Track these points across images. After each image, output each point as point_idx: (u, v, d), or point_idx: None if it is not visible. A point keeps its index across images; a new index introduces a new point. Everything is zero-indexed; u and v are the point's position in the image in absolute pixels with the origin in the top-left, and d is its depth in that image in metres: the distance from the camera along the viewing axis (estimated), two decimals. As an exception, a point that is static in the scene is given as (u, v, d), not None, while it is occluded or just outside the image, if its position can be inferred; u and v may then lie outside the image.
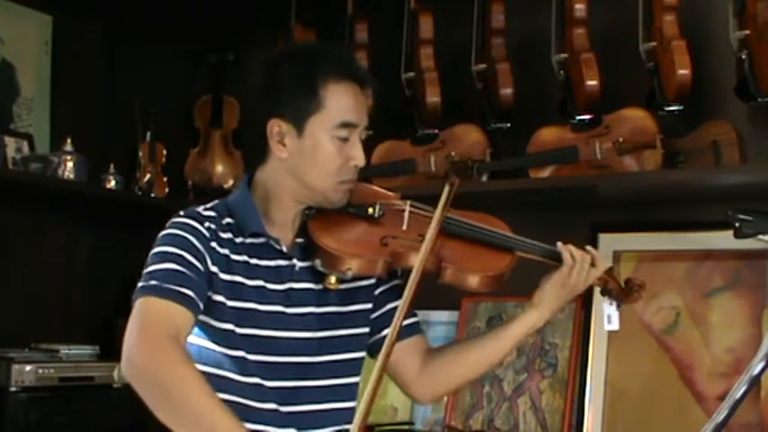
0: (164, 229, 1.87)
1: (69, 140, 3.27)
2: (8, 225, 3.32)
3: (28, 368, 2.92)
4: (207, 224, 1.85)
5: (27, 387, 2.91)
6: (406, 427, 2.96)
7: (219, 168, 3.64)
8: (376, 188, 2.03)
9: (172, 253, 1.79)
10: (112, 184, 3.41)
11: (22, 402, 2.90)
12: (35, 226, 3.41)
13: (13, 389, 2.88)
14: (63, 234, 3.51)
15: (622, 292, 2.07)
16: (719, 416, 1.51)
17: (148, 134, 3.53)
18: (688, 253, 2.71)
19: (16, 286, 3.33)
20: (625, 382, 2.73)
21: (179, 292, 1.74)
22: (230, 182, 3.61)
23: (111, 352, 3.29)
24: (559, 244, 2.01)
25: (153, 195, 3.48)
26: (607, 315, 2.09)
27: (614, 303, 2.09)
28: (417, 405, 2.97)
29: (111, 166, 3.42)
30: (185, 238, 1.81)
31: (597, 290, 2.14)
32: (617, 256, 2.79)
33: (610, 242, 2.82)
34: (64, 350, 3.12)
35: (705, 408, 2.58)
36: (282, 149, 1.86)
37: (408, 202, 1.97)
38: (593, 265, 2.00)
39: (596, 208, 2.88)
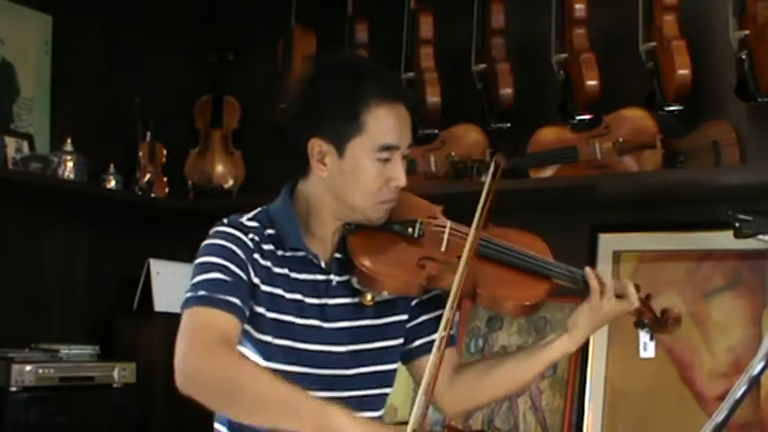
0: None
1: (69, 140, 3.27)
2: (8, 225, 3.31)
3: (28, 368, 2.91)
4: (251, 235, 1.84)
5: (27, 387, 2.90)
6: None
7: (219, 168, 3.63)
8: (419, 199, 1.98)
9: (217, 264, 1.78)
10: (112, 184, 3.40)
11: (22, 402, 2.89)
12: (35, 226, 3.40)
13: (13, 389, 2.87)
14: (63, 234, 3.50)
15: (657, 324, 2.00)
16: (719, 416, 1.50)
17: (148, 134, 3.53)
18: (688, 253, 2.71)
19: (16, 286, 3.33)
20: (625, 382, 2.73)
21: (226, 300, 1.74)
22: (230, 182, 3.61)
23: (111, 352, 3.30)
24: (587, 269, 1.95)
25: (153, 195, 3.48)
26: (643, 343, 2.02)
27: (649, 333, 2.02)
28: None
29: (111, 166, 3.42)
30: (229, 248, 1.81)
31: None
32: (617, 256, 2.79)
33: (610, 242, 2.82)
34: (64, 350, 3.12)
35: (705, 408, 2.58)
36: (323, 169, 1.84)
37: (449, 222, 1.93)
38: (620, 296, 1.93)
39: (596, 208, 2.88)
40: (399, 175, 1.83)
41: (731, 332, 2.60)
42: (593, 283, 1.92)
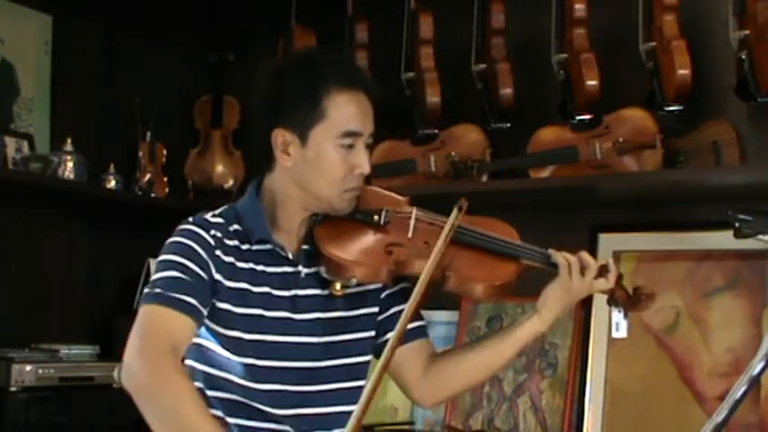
0: (168, 232, 1.88)
1: (69, 140, 3.27)
2: (8, 225, 3.32)
3: (28, 368, 2.92)
4: (213, 232, 1.86)
5: (27, 387, 2.90)
6: (406, 426, 2.96)
7: (219, 168, 3.64)
8: (384, 192, 2.01)
9: (175, 261, 1.82)
10: (112, 184, 3.41)
11: (22, 402, 2.90)
12: (35, 226, 3.40)
13: (13, 389, 2.88)
14: (63, 234, 3.50)
15: (630, 301, 1.99)
16: (719, 416, 1.50)
17: (148, 134, 3.53)
18: (688, 253, 2.71)
19: (16, 286, 3.33)
20: (625, 382, 2.73)
21: (181, 300, 1.77)
22: (230, 182, 3.61)
23: (111, 352, 3.29)
24: (551, 250, 1.96)
25: (153, 195, 3.48)
26: (615, 323, 2.01)
27: (622, 311, 2.01)
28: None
29: (111, 166, 3.42)
30: (189, 246, 1.83)
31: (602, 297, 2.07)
32: (617, 256, 2.79)
33: (610, 242, 2.82)
34: (64, 350, 3.12)
35: (705, 408, 2.58)
36: (287, 159, 1.86)
37: (414, 209, 1.96)
38: (602, 274, 1.94)
39: (596, 208, 2.88)
40: (363, 162, 1.86)
41: (731, 332, 2.60)
42: (560, 260, 1.93)
